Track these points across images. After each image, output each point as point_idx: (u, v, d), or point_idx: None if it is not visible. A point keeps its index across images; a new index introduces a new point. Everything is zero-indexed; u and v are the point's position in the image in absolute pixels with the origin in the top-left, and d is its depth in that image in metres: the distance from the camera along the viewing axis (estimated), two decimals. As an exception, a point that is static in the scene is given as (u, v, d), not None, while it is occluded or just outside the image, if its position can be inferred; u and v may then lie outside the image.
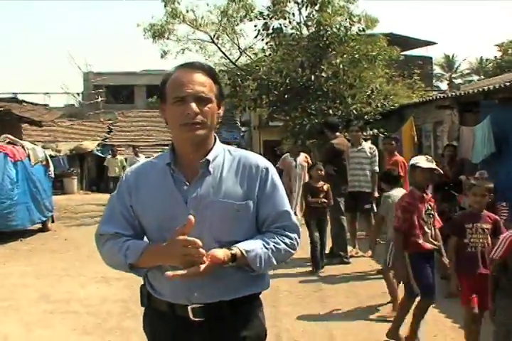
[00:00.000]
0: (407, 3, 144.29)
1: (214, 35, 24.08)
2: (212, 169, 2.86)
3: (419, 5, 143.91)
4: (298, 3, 19.50)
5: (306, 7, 19.39)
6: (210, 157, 2.87)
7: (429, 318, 7.50)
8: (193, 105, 2.75)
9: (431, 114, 17.75)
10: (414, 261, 6.64)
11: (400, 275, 6.85)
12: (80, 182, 31.64)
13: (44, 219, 15.82)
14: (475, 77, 62.88)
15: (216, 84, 2.90)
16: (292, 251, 2.97)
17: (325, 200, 10.59)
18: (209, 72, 2.89)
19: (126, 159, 25.37)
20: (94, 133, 35.81)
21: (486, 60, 55.03)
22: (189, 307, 2.81)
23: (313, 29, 19.30)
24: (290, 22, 19.65)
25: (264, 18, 19.57)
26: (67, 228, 16.86)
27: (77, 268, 11.17)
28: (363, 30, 19.62)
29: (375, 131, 19.07)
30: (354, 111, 19.29)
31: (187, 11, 23.25)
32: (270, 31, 19.40)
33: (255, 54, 23.19)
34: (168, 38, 23.76)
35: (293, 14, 19.66)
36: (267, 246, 2.85)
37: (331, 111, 18.60)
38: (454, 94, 14.27)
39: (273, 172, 2.97)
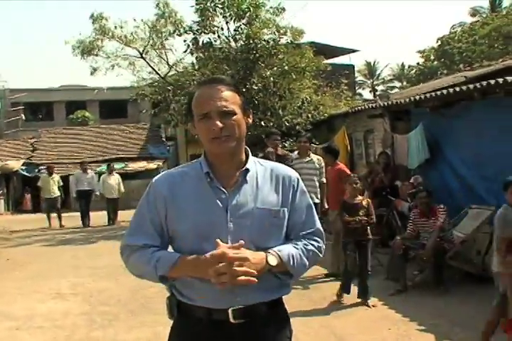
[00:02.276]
0: (326, 10, 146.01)
1: (143, 51, 24.48)
2: (248, 178, 3.00)
3: (337, 12, 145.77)
4: (226, 17, 20.05)
5: (234, 21, 19.99)
6: (248, 166, 3.03)
7: (379, 314, 8.32)
8: (217, 122, 2.87)
9: (361, 123, 18.54)
10: None
11: None
12: (6, 202, 31.56)
13: (-18, 240, 15.81)
14: (397, 84, 64.75)
15: (239, 95, 3.03)
16: (320, 255, 3.13)
17: (364, 218, 9.20)
18: (230, 84, 3.01)
19: (63, 176, 24.76)
20: (17, 152, 35.64)
21: (409, 66, 56.57)
22: (229, 310, 2.89)
23: (242, 42, 19.94)
24: (219, 36, 20.28)
25: (194, 33, 20.09)
26: (5, 249, 16.98)
27: (29, 286, 11.41)
28: (292, 43, 20.35)
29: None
30: (286, 123, 20.01)
31: (115, 28, 23.70)
32: (200, 45, 20.00)
33: (185, 68, 23.61)
34: (97, 55, 24.08)
35: (221, 28, 20.30)
36: (297, 247, 3.01)
37: (263, 123, 19.15)
38: (385, 103, 15.02)
39: (301, 182, 3.17)
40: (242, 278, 2.72)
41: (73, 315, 9.15)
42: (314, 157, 11.83)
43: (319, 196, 11.56)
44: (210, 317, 2.93)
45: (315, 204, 11.04)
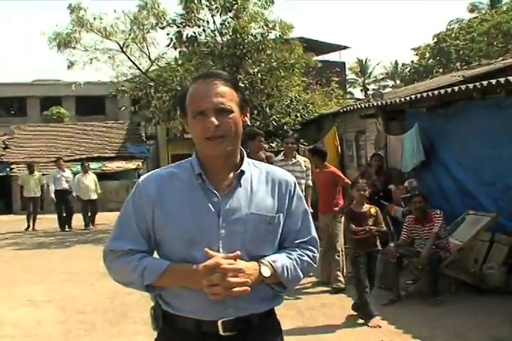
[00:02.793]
0: (315, 5, 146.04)
1: (123, 44, 24.22)
2: (243, 181, 2.94)
3: (328, 7, 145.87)
4: (211, 10, 19.99)
5: (220, 14, 19.93)
6: (243, 168, 2.96)
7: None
8: (213, 119, 2.79)
9: (352, 123, 18.52)
10: None
11: None
12: (-26, 204, 31.15)
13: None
14: (390, 82, 64.89)
15: (237, 92, 2.93)
16: (314, 265, 3.12)
17: (374, 227, 8.83)
18: (228, 79, 2.92)
19: (43, 175, 23.83)
20: (-14, 149, 35.06)
21: (403, 64, 56.57)
22: (219, 322, 2.84)
23: (229, 37, 19.91)
24: (204, 30, 20.22)
25: (178, 26, 20.03)
26: (-26, 253, 16.80)
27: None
28: (280, 37, 20.28)
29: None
30: (273, 122, 20.00)
31: (94, 19, 23.45)
32: (184, 40, 19.87)
33: (168, 63, 23.50)
34: (74, 48, 23.86)
35: (207, 22, 20.27)
36: (291, 257, 2.97)
37: (248, 123, 19.01)
38: (379, 103, 15.00)
39: (298, 187, 3.13)
40: (237, 289, 2.68)
41: (46, 324, 9.05)
42: (300, 159, 11.63)
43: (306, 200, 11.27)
44: (199, 329, 2.87)
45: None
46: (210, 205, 2.87)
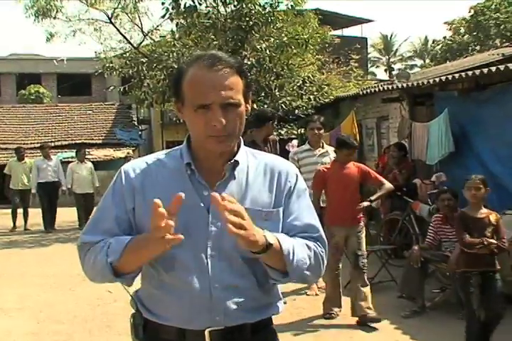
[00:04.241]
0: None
1: (112, 14, 23.94)
2: (237, 173, 2.94)
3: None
4: (215, -24, 19.74)
5: (224, -20, 19.71)
6: (238, 159, 2.95)
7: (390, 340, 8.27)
8: (221, 118, 2.77)
9: (374, 108, 18.52)
10: None
11: None
12: None
13: None
14: (418, 61, 64.74)
15: (243, 79, 2.89)
16: (322, 263, 3.01)
17: (493, 241, 7.30)
18: (234, 65, 2.86)
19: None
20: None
21: (433, 41, 56.33)
22: (206, 332, 2.83)
23: (233, 7, 19.69)
24: (205, -1, 19.98)
25: (175, -6, 19.77)
26: None
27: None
28: (292, 8, 20.12)
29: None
30: (283, 106, 19.90)
31: (78, -16, 23.23)
32: (182, 10, 19.61)
33: (163, 37, 23.34)
34: (55, 18, 23.61)
35: (209, -11, 19.98)
36: (298, 240, 2.91)
37: (255, 106, 18.93)
38: (404, 85, 14.90)
39: (301, 180, 3.12)
40: (232, 227, 2.54)
41: (17, 335, 9.00)
42: (329, 148, 10.94)
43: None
44: (183, 339, 2.88)
45: (322, 208, 9.82)
46: (199, 199, 2.89)
